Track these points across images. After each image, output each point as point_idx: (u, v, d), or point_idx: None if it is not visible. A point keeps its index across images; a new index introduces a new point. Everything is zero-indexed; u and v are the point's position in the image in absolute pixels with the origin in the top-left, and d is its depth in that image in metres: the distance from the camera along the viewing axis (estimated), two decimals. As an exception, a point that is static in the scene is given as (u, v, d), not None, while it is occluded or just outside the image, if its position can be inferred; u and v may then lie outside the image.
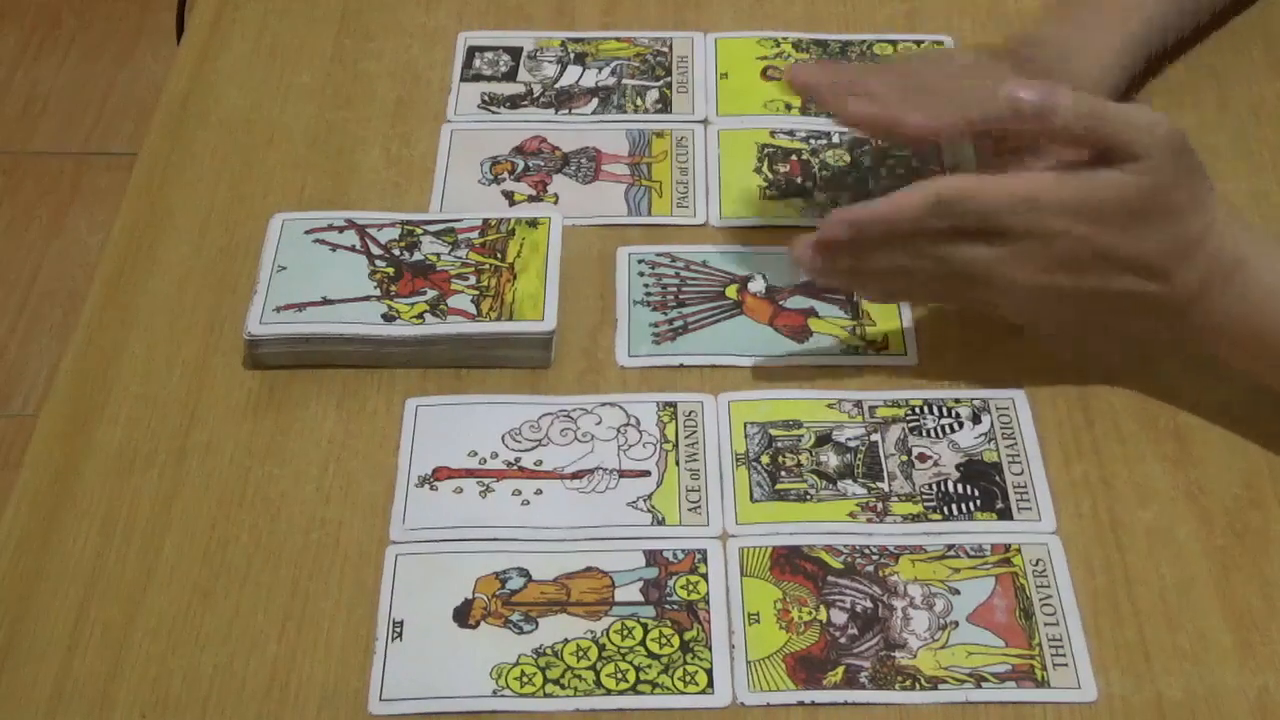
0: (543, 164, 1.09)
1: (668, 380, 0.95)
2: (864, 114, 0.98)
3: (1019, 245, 0.87)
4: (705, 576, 0.85)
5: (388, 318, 0.96)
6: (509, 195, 1.06)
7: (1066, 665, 0.81)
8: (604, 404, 0.94)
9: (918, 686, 0.81)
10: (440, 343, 0.95)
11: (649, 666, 0.82)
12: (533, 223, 1.02)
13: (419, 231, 1.01)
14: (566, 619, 0.84)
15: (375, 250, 1.00)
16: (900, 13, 1.20)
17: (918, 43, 1.17)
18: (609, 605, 0.84)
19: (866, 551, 0.86)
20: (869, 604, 0.84)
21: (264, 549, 0.87)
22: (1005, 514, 0.88)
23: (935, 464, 0.91)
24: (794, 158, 1.09)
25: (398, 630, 0.83)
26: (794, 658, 0.82)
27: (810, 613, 0.84)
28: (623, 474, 0.90)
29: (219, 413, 0.94)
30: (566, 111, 1.13)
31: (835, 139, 1.10)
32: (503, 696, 0.80)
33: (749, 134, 1.11)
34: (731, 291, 1.00)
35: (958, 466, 0.90)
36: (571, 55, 1.17)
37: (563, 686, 0.81)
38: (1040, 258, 0.87)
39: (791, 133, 1.10)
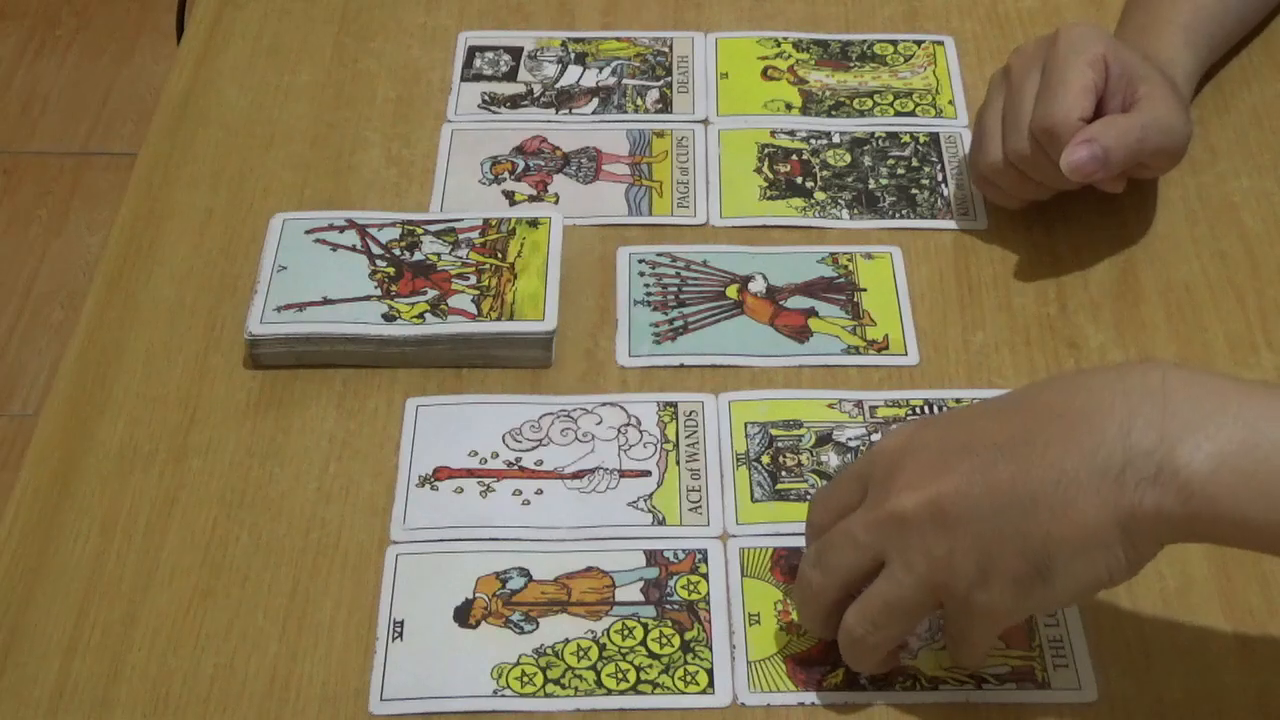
0: (543, 164, 1.09)
1: (668, 380, 0.95)
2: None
3: (869, 496, 0.78)
4: (706, 576, 0.85)
5: (388, 317, 0.96)
6: (509, 195, 1.06)
7: (1067, 666, 0.81)
8: (604, 404, 0.94)
9: (918, 687, 0.81)
10: (440, 342, 0.95)
11: (649, 666, 0.82)
12: (533, 222, 1.02)
13: (419, 231, 1.01)
14: (567, 619, 0.84)
15: (376, 250, 1.00)
16: (900, 13, 1.20)
17: (918, 43, 1.17)
18: (609, 605, 0.84)
19: (867, 551, 0.86)
20: (869, 604, 0.84)
21: (264, 549, 0.87)
22: (1006, 514, 0.88)
23: (936, 464, 0.90)
24: (794, 158, 1.09)
25: (398, 630, 0.83)
26: (794, 659, 0.82)
27: (811, 613, 0.84)
28: (623, 474, 0.90)
29: (219, 413, 0.94)
30: (567, 111, 1.13)
31: (835, 139, 1.10)
32: (503, 696, 0.80)
33: (749, 134, 1.11)
34: (732, 291, 1.00)
35: (958, 466, 0.90)
36: (572, 55, 1.17)
37: (563, 686, 0.81)
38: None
39: (792, 133, 1.10)
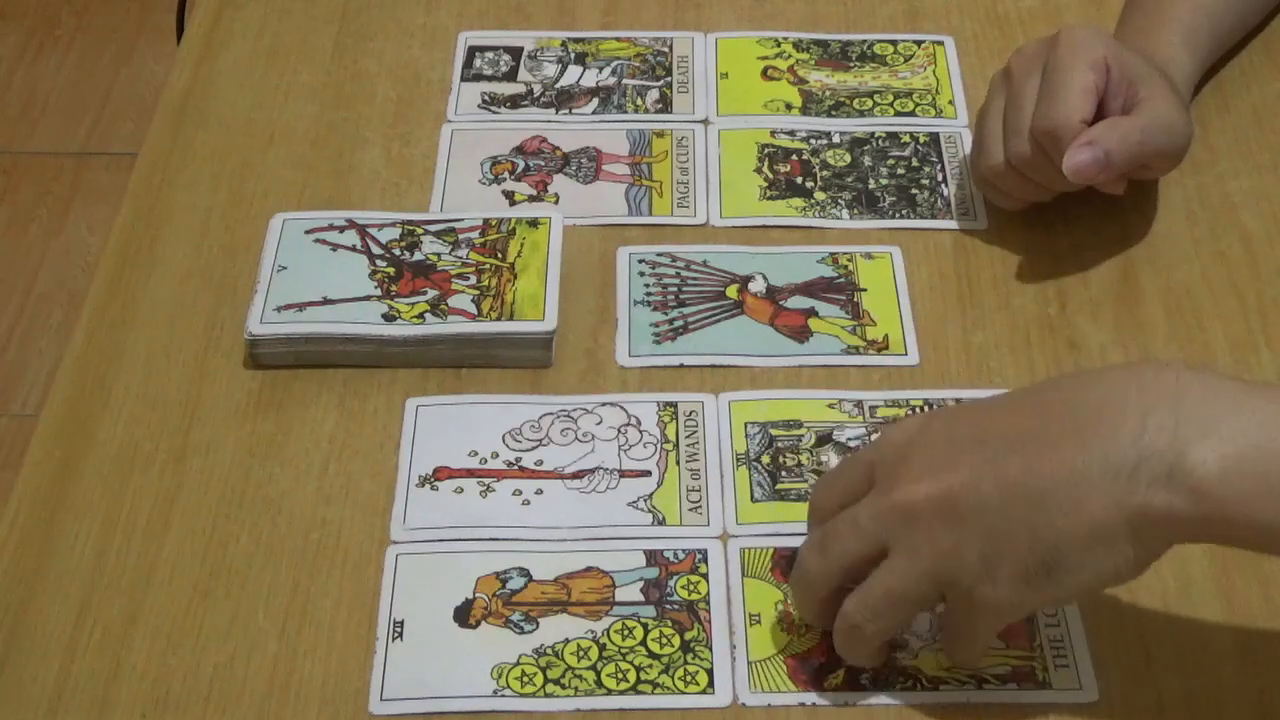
0: (543, 164, 1.09)
1: (668, 380, 0.95)
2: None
3: (877, 483, 0.78)
4: (706, 576, 0.85)
5: (388, 317, 0.96)
6: (509, 195, 1.06)
7: (1067, 666, 0.81)
8: (604, 404, 0.94)
9: (919, 687, 0.81)
10: (440, 342, 0.95)
11: (649, 666, 0.82)
12: (533, 222, 1.02)
13: (419, 231, 1.01)
14: (567, 619, 0.84)
15: (376, 250, 1.00)
16: (900, 13, 1.20)
17: (918, 43, 1.17)
18: (609, 605, 0.84)
19: (867, 552, 0.86)
20: (870, 604, 0.84)
21: (264, 549, 0.87)
22: (1006, 514, 0.88)
23: (936, 464, 0.90)
24: (794, 158, 1.09)
25: (398, 630, 0.83)
26: (795, 659, 0.82)
27: (811, 613, 0.84)
28: (623, 474, 0.90)
29: (219, 413, 0.94)
30: (567, 111, 1.13)
31: (835, 139, 1.10)
32: (503, 696, 0.80)
33: (749, 134, 1.11)
34: (732, 291, 1.00)
35: (958, 467, 0.90)
36: (572, 55, 1.17)
37: (563, 686, 0.81)
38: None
39: (792, 133, 1.10)
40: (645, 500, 0.89)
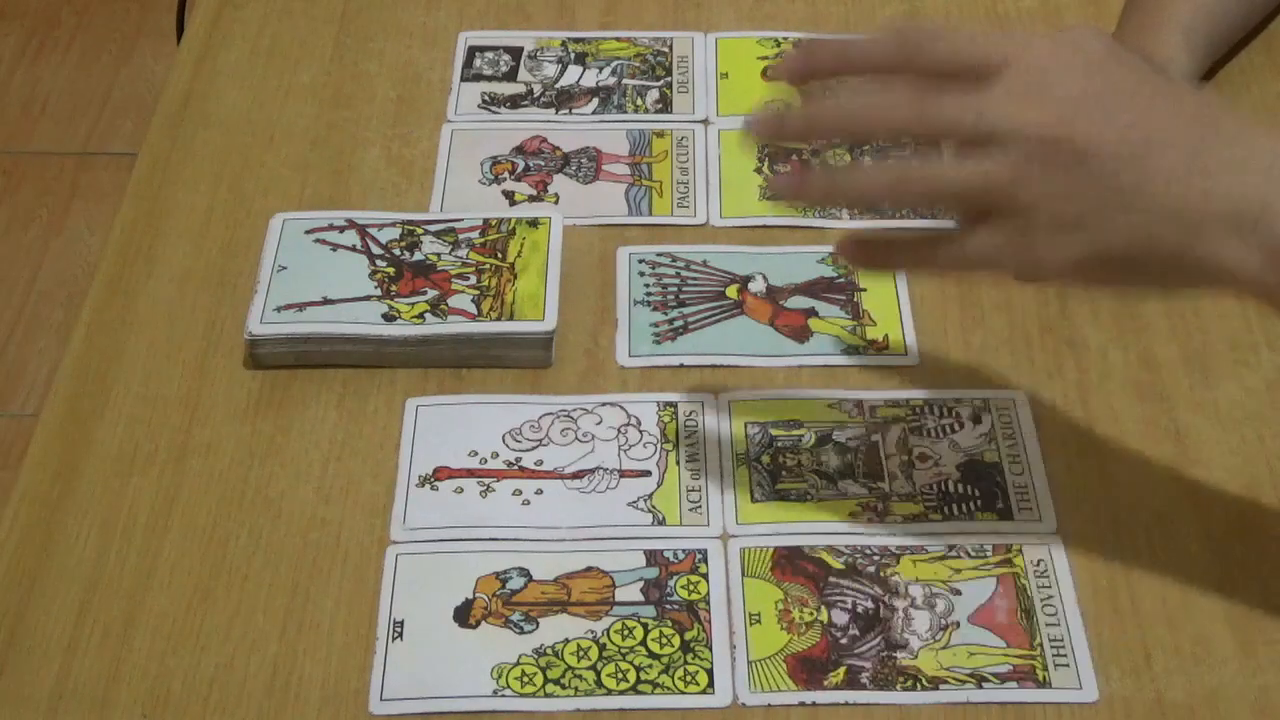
0: (543, 164, 1.09)
1: (668, 380, 0.95)
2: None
3: (1009, 80, 0.74)
4: (706, 576, 0.85)
5: (388, 317, 0.96)
6: (509, 195, 1.06)
7: (1068, 665, 0.81)
8: (604, 404, 0.94)
9: (919, 687, 0.81)
10: (441, 342, 0.95)
11: (649, 666, 0.82)
12: (533, 222, 1.02)
13: (419, 231, 1.01)
14: (567, 619, 0.84)
15: (376, 250, 1.00)
16: (900, 13, 1.20)
17: (918, 43, 1.17)
18: (609, 605, 0.84)
19: (867, 552, 0.86)
20: (870, 604, 0.84)
21: (264, 549, 0.87)
22: (1006, 514, 0.88)
23: (936, 464, 0.90)
24: (794, 158, 1.09)
25: (398, 630, 0.83)
26: (795, 658, 0.82)
27: (811, 613, 0.84)
28: (623, 474, 0.90)
29: (219, 413, 0.94)
30: (567, 111, 1.13)
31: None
32: (503, 696, 0.80)
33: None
34: (732, 291, 1.00)
35: (958, 466, 0.90)
36: (572, 55, 1.17)
37: (563, 686, 0.81)
38: (1042, 94, 0.73)
39: (792, 133, 1.10)
40: (645, 500, 0.89)
